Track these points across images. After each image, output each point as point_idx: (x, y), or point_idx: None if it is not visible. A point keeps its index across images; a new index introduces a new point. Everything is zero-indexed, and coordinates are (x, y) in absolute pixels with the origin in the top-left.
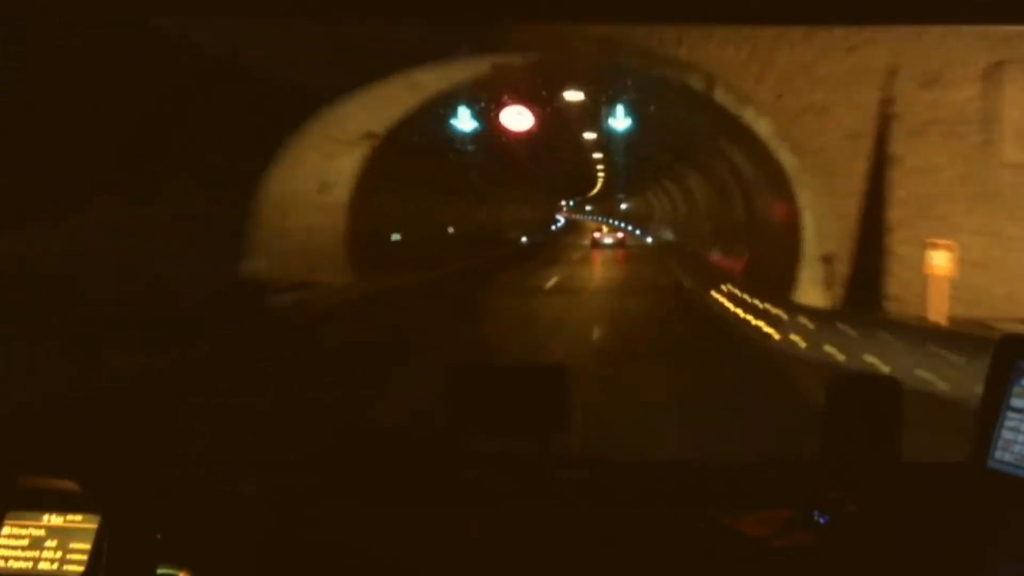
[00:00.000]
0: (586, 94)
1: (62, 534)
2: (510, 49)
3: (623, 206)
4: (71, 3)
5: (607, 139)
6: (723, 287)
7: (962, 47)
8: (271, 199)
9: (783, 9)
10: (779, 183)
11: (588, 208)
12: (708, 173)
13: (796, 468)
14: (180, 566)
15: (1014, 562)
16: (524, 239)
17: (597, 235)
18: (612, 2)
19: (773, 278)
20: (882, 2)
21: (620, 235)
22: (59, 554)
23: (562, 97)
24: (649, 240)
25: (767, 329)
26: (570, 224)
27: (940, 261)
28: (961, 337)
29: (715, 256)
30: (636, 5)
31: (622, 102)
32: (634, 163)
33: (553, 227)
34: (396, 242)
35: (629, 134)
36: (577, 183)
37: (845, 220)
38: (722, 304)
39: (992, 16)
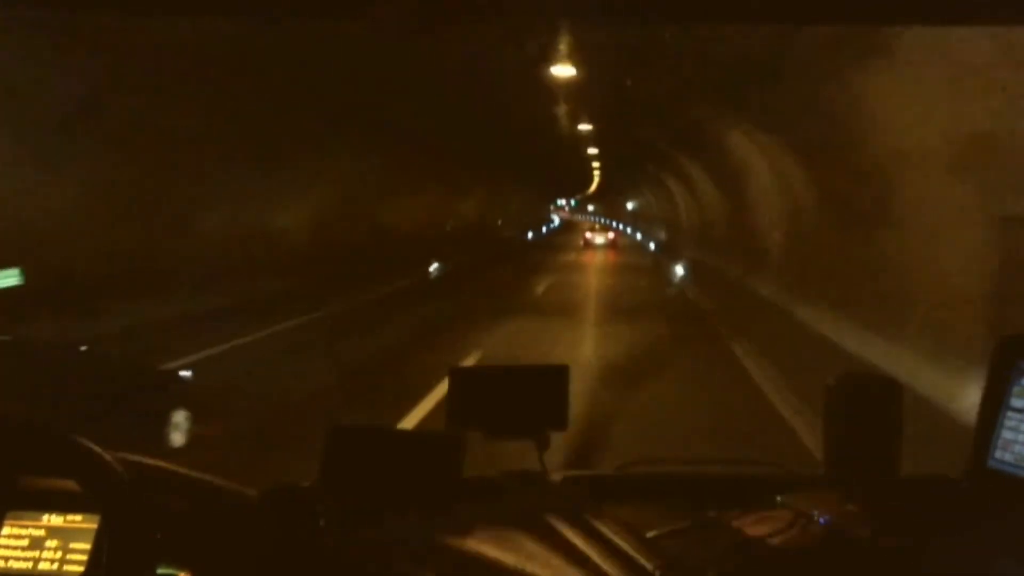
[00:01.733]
0: None
1: (62, 534)
2: None
3: (629, 205)
4: None
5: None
6: None
7: None
8: None
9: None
10: None
11: (591, 208)
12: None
13: (796, 468)
14: (180, 566)
15: (1014, 562)
16: (434, 267)
17: (589, 235)
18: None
19: None
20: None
21: (611, 235)
22: (59, 554)
23: None
24: (680, 272)
25: None
26: (563, 226)
27: None
28: None
29: None
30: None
31: None
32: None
33: (530, 235)
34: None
35: None
36: (571, 177)
37: None
38: None
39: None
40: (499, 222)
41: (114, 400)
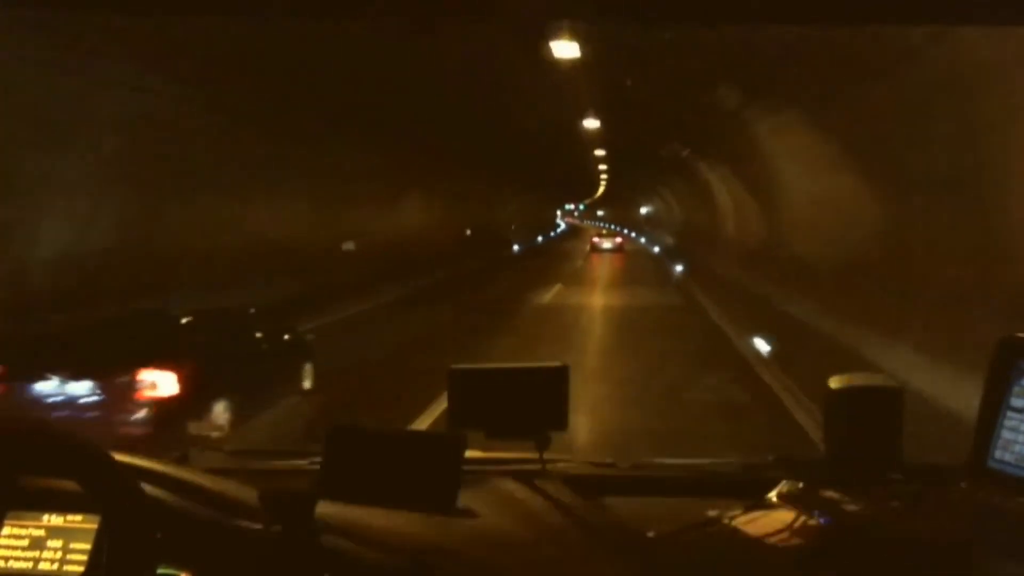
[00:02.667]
0: None
1: (62, 534)
2: None
3: (644, 210)
4: None
5: None
6: None
7: None
8: None
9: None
10: None
11: (600, 213)
12: None
13: (797, 468)
14: (180, 566)
15: (1014, 562)
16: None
17: (596, 239)
18: None
19: None
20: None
21: (619, 239)
22: (59, 554)
23: None
24: (765, 350)
25: None
26: (568, 233)
27: None
28: None
29: None
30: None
31: None
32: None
33: (517, 247)
34: None
35: None
36: (575, 175)
37: None
38: None
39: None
40: (467, 232)
41: (274, 352)
